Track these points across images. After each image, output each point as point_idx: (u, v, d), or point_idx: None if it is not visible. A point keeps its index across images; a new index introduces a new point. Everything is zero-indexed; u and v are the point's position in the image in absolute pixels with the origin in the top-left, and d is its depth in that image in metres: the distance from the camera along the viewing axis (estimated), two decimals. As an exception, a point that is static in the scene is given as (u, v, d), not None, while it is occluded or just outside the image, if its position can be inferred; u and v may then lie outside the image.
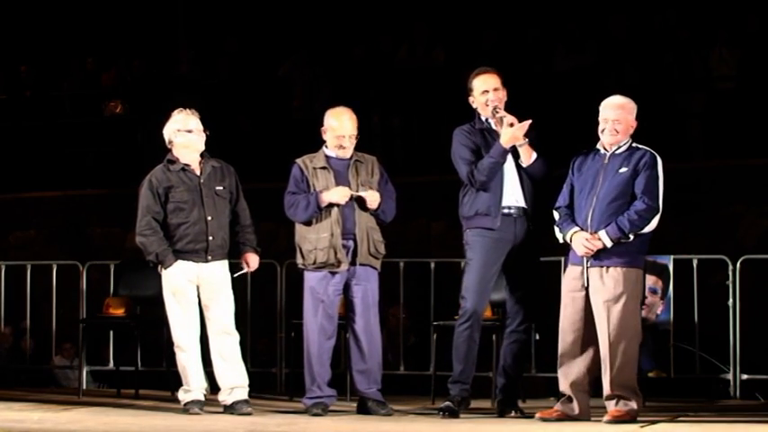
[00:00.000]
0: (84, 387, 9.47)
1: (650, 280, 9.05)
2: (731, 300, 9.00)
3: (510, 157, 7.12)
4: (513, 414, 7.30)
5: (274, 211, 7.89)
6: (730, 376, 8.96)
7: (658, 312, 9.24)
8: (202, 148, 7.47)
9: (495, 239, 7.12)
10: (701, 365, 9.17)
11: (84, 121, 13.94)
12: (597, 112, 7.07)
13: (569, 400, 6.89)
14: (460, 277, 8.71)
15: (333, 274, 7.35)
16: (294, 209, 7.36)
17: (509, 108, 7.28)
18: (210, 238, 7.34)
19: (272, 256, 9.21)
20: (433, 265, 9.73)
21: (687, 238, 10.48)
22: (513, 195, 7.15)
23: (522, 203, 7.15)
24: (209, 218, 7.35)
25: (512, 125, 7.04)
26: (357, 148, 7.57)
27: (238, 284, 7.79)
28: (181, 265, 7.34)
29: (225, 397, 7.41)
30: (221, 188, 7.43)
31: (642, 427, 6.56)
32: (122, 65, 14.51)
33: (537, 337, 9.28)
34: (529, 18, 13.03)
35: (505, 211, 7.13)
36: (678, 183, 10.73)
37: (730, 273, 9.04)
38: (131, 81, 14.32)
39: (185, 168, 7.43)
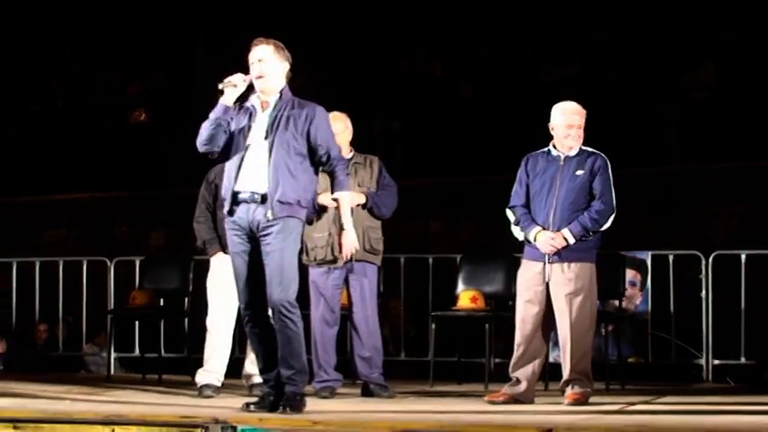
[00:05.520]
0: (113, 372, 9.69)
1: (630, 273, 9.24)
2: (704, 292, 9.27)
3: (259, 138, 6.19)
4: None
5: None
6: (703, 362, 9.22)
7: (637, 303, 9.58)
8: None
9: (233, 229, 6.24)
10: (676, 352, 9.43)
11: (110, 128, 14.14)
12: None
13: (517, 382, 6.98)
14: (456, 272, 8.92)
15: (332, 269, 7.51)
16: None
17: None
18: None
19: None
20: (431, 260, 9.96)
21: (664, 235, 10.80)
22: (250, 180, 6.16)
23: (261, 189, 6.12)
24: None
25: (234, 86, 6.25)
26: (359, 152, 7.70)
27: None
28: (225, 259, 6.94)
29: (248, 381, 7.73)
30: None
31: (622, 408, 6.70)
32: (146, 77, 14.67)
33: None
34: (519, 34, 13.12)
35: (240, 196, 6.17)
36: (655, 184, 11.10)
37: (703, 267, 9.32)
38: (154, 92, 14.49)
39: None
